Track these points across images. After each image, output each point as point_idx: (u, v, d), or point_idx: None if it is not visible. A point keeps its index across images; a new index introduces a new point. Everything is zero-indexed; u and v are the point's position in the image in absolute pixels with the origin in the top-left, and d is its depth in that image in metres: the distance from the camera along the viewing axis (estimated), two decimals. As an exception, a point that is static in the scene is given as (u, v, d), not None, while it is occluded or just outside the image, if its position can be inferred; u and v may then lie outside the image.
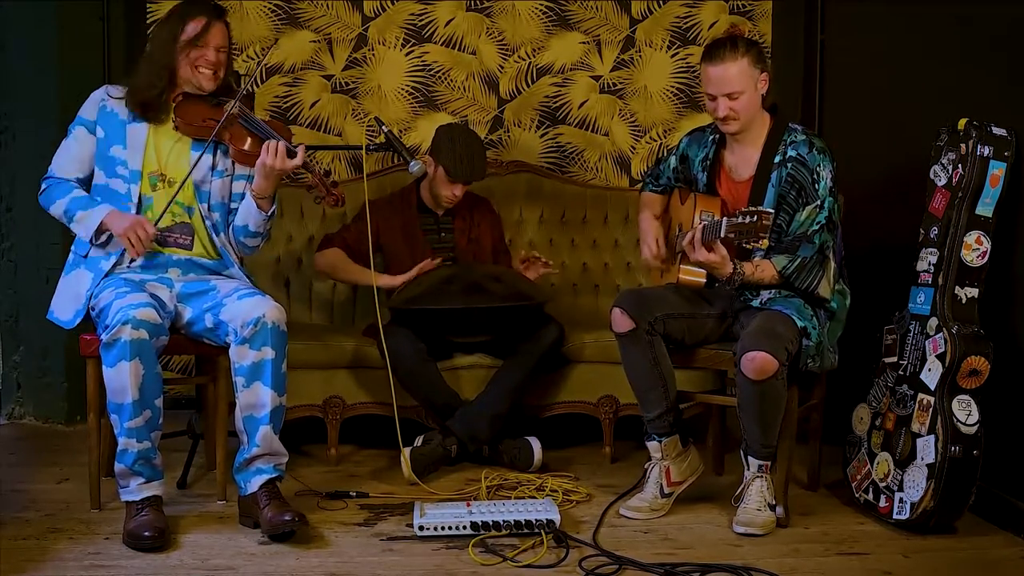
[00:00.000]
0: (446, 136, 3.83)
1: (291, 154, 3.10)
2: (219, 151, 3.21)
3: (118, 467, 2.96)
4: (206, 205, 3.19)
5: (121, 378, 2.88)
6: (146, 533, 2.86)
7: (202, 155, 3.15)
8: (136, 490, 2.96)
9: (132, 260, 3.14)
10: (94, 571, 2.72)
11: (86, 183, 3.20)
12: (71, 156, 3.19)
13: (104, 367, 2.92)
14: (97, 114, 3.17)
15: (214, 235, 3.21)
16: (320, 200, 3.20)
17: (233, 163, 3.22)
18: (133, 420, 2.91)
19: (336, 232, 3.94)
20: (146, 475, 2.96)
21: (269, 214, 3.20)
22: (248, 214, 3.19)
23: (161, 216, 3.11)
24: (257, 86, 4.44)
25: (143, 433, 2.93)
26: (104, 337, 2.90)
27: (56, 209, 3.15)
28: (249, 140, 3.16)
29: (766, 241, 2.93)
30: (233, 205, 3.25)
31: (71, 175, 3.18)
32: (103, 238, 3.12)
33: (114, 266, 3.13)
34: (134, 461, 2.93)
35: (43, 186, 3.20)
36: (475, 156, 3.80)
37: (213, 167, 3.20)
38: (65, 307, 3.15)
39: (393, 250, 3.89)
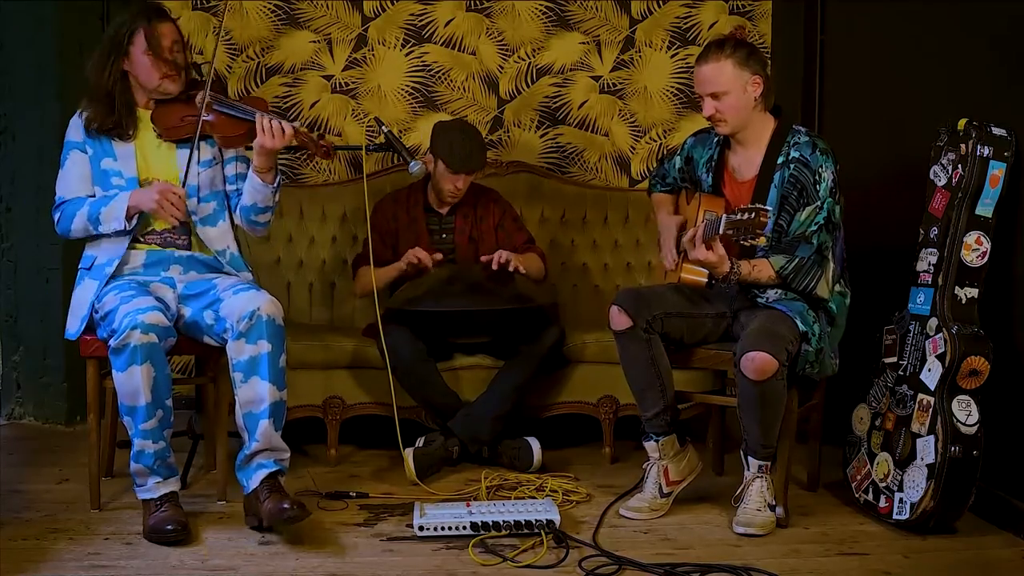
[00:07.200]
0: (443, 130, 3.83)
1: (283, 128, 3.09)
2: (202, 143, 3.19)
3: (135, 466, 2.97)
4: (195, 199, 3.19)
5: (133, 382, 2.88)
6: (169, 527, 2.89)
7: (192, 156, 3.13)
8: (154, 488, 2.97)
9: (144, 233, 3.12)
10: (94, 571, 2.72)
11: None
12: (73, 177, 3.18)
13: (114, 372, 2.92)
14: (82, 135, 3.17)
15: (201, 227, 3.20)
16: (311, 157, 3.14)
17: (220, 148, 3.23)
18: (148, 422, 2.92)
19: (360, 253, 3.94)
20: (163, 474, 2.98)
21: (275, 185, 3.18)
22: (255, 191, 3.17)
23: (186, 177, 3.12)
24: (256, 86, 4.44)
25: (157, 433, 2.95)
26: (113, 343, 2.89)
27: (79, 223, 3.13)
28: (231, 124, 3.15)
29: (764, 238, 2.93)
30: (230, 188, 3.26)
31: (79, 194, 3.17)
32: (135, 221, 3.10)
33: (119, 267, 3.13)
34: (153, 461, 2.95)
35: (56, 216, 3.19)
36: (473, 146, 3.79)
37: (199, 160, 3.19)
38: (74, 320, 3.14)
39: (402, 248, 3.88)
